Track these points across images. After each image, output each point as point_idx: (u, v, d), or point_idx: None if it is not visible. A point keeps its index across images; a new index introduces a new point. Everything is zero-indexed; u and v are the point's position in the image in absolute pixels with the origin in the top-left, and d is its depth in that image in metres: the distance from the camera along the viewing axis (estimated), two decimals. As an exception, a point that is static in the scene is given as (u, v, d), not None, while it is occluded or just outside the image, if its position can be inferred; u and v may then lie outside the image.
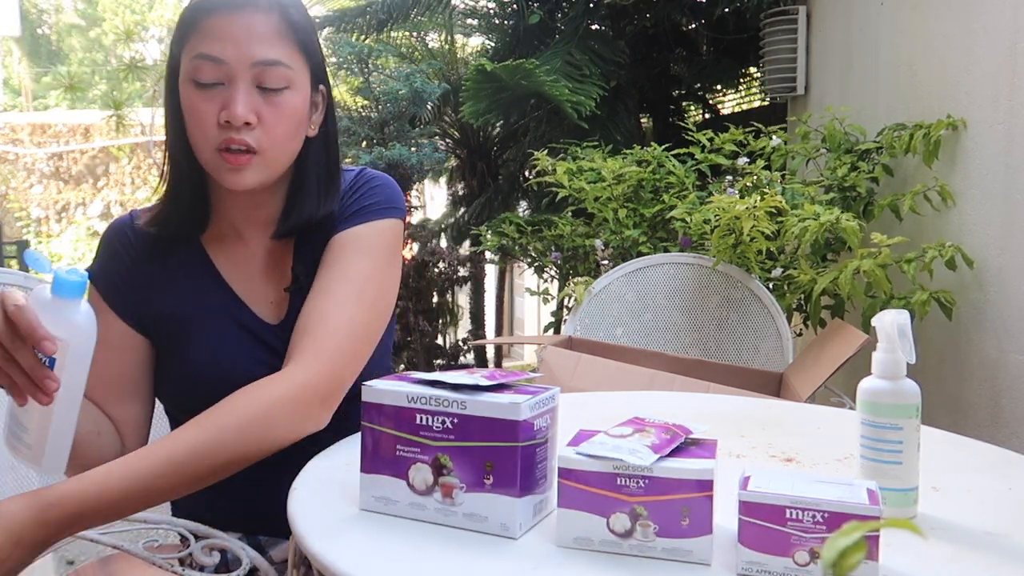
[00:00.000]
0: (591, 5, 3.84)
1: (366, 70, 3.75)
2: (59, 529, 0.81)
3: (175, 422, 1.14)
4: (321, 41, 1.11)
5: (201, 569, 1.02)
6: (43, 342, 0.80)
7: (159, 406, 1.15)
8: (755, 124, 2.65)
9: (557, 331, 3.05)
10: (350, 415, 0.96)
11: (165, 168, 1.07)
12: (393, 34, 4.88)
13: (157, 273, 1.08)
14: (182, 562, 0.95)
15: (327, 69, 1.09)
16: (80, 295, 0.84)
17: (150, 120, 6.93)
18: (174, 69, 1.01)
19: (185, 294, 1.07)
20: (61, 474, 0.90)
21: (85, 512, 0.82)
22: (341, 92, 4.71)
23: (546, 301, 3.10)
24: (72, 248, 8.85)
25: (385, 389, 0.78)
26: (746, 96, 4.72)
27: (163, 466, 0.85)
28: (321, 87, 1.07)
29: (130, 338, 1.08)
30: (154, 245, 1.08)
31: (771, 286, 2.27)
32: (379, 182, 1.11)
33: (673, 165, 2.57)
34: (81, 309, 0.84)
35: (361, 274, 1.03)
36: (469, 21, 4.95)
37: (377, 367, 1.07)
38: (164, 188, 1.07)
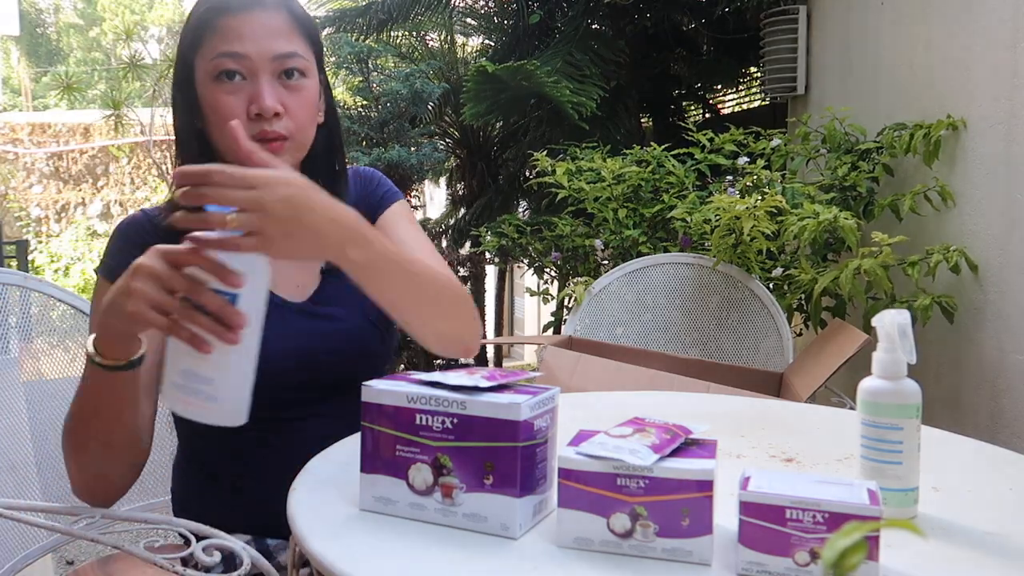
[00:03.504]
0: (591, 5, 3.83)
1: (366, 70, 3.75)
2: (370, 239, 0.87)
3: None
4: (320, 41, 1.16)
5: (202, 569, 1.02)
6: (230, 276, 0.78)
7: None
8: (755, 128, 2.65)
9: (557, 331, 3.05)
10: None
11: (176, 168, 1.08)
12: (393, 34, 4.88)
13: None
14: (183, 562, 0.95)
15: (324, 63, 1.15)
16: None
17: (149, 120, 6.92)
18: (186, 72, 1.04)
19: None
20: (243, 421, 0.84)
21: (389, 250, 0.90)
22: (341, 92, 4.71)
23: (546, 301, 3.09)
24: (72, 248, 8.85)
25: (385, 389, 0.78)
26: (746, 96, 4.72)
27: (428, 271, 0.98)
28: (320, 76, 1.12)
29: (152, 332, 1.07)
30: (172, 241, 1.08)
31: (771, 286, 2.27)
32: (377, 173, 1.24)
33: (673, 165, 2.57)
34: None
35: (427, 238, 1.21)
36: (469, 21, 4.95)
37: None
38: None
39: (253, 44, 1.01)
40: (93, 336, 0.88)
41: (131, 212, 1.12)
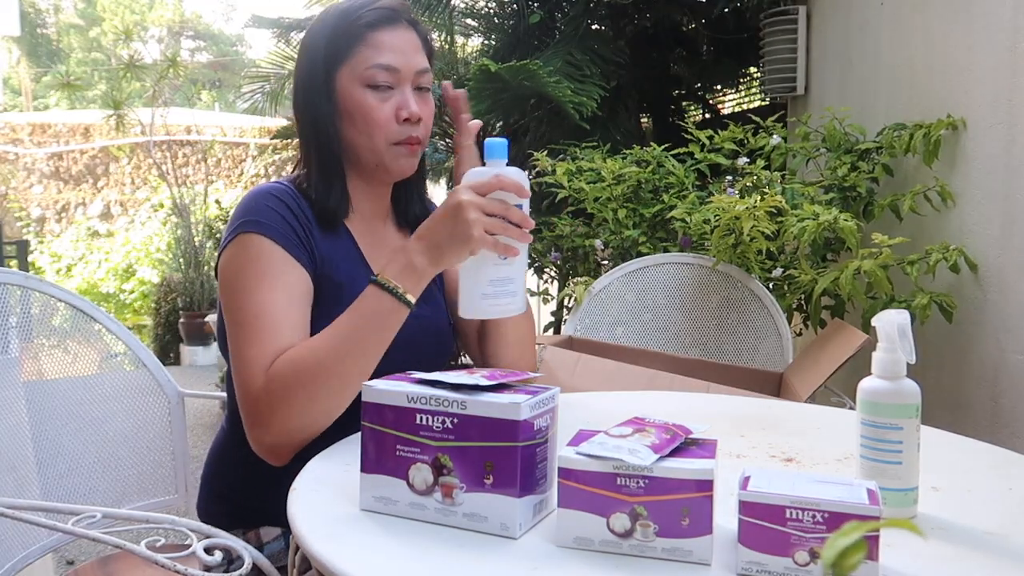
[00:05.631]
0: (591, 5, 3.83)
1: (366, 70, 3.73)
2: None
3: None
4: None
5: (203, 568, 1.02)
6: (523, 189, 0.98)
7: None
8: (754, 119, 2.65)
9: (557, 331, 3.05)
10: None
11: (305, 163, 1.20)
12: (393, 34, 4.86)
13: (320, 238, 1.16)
14: (184, 561, 0.96)
15: None
16: (507, 154, 1.01)
17: (150, 120, 6.92)
18: (326, 76, 1.15)
19: (338, 262, 1.17)
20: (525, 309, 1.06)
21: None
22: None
23: (546, 301, 3.09)
24: (72, 248, 8.84)
25: (385, 389, 0.78)
26: (746, 96, 4.71)
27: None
28: None
29: (310, 288, 1.13)
30: (312, 214, 1.17)
31: (771, 286, 2.27)
32: None
33: (673, 165, 2.57)
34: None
35: None
36: (469, 21, 4.95)
37: None
38: (316, 179, 1.18)
39: (403, 58, 1.15)
40: (380, 277, 1.02)
41: (272, 183, 1.18)
